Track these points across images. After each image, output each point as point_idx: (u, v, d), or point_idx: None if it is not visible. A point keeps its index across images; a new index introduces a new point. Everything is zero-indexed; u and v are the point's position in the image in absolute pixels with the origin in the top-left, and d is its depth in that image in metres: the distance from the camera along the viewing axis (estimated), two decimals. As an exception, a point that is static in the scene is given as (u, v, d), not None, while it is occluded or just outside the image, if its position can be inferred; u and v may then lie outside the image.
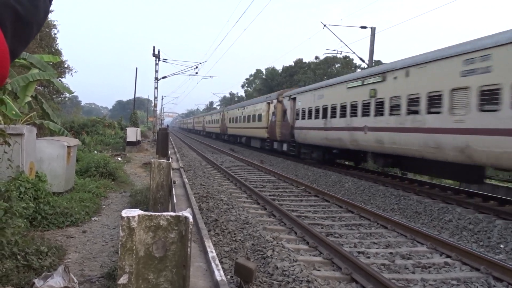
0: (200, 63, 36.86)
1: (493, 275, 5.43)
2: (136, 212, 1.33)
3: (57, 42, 25.66)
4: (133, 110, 39.38)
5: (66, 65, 26.55)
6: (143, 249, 1.33)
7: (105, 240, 6.20)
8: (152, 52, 34.24)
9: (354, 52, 23.48)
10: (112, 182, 11.37)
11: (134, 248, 1.31)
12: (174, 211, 1.95)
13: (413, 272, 5.57)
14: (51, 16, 24.63)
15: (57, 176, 8.34)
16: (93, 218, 7.46)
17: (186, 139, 51.43)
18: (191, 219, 1.34)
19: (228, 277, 4.95)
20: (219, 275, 1.96)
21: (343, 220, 8.60)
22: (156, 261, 1.35)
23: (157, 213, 1.36)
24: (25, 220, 5.61)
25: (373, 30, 22.17)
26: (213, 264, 2.11)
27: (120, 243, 1.32)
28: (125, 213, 1.33)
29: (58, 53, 24.18)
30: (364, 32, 22.80)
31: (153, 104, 39.92)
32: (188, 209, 1.45)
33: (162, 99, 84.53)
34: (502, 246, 7.01)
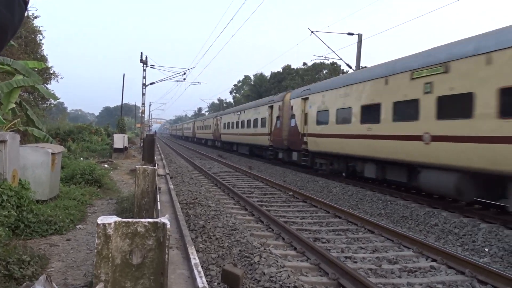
0: (188, 69, 36.74)
1: (477, 278, 5.49)
2: (112, 219, 1.31)
3: (42, 48, 25.40)
4: (121, 116, 39.06)
5: (51, 71, 26.24)
6: (120, 256, 1.31)
7: (89, 248, 6.10)
8: (139, 58, 34.14)
9: (341, 59, 23.73)
10: (98, 189, 11.21)
11: (110, 255, 1.28)
12: (158, 218, 1.93)
13: (400, 277, 5.60)
14: (36, 22, 24.36)
15: (41, 184, 8.19)
16: (77, 226, 7.33)
17: (175, 145, 51.10)
18: (169, 226, 1.32)
19: (215, 284, 4.91)
20: (201, 282, 1.94)
21: (331, 226, 8.61)
22: (133, 268, 1.32)
23: (135, 220, 1.33)
24: (6, 229, 5.50)
25: (359, 36, 22.43)
26: (195, 271, 2.09)
27: (95, 250, 1.29)
28: (101, 220, 1.30)
29: (43, 59, 23.90)
30: (351, 39, 22.89)
31: (140, 111, 39.70)
32: (166, 215, 1.43)
33: (150, 106, 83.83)
34: (486, 249, 7.10)
